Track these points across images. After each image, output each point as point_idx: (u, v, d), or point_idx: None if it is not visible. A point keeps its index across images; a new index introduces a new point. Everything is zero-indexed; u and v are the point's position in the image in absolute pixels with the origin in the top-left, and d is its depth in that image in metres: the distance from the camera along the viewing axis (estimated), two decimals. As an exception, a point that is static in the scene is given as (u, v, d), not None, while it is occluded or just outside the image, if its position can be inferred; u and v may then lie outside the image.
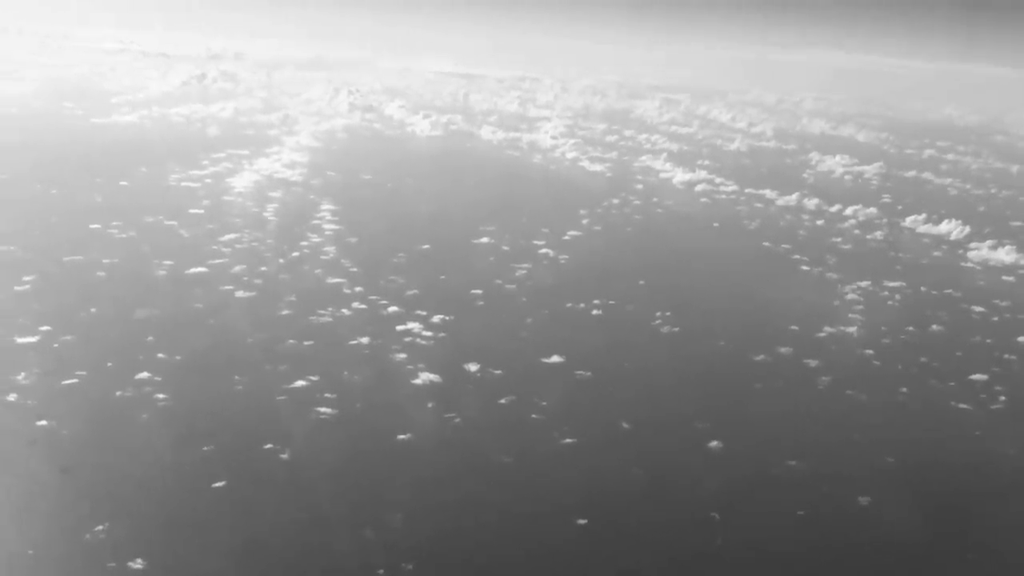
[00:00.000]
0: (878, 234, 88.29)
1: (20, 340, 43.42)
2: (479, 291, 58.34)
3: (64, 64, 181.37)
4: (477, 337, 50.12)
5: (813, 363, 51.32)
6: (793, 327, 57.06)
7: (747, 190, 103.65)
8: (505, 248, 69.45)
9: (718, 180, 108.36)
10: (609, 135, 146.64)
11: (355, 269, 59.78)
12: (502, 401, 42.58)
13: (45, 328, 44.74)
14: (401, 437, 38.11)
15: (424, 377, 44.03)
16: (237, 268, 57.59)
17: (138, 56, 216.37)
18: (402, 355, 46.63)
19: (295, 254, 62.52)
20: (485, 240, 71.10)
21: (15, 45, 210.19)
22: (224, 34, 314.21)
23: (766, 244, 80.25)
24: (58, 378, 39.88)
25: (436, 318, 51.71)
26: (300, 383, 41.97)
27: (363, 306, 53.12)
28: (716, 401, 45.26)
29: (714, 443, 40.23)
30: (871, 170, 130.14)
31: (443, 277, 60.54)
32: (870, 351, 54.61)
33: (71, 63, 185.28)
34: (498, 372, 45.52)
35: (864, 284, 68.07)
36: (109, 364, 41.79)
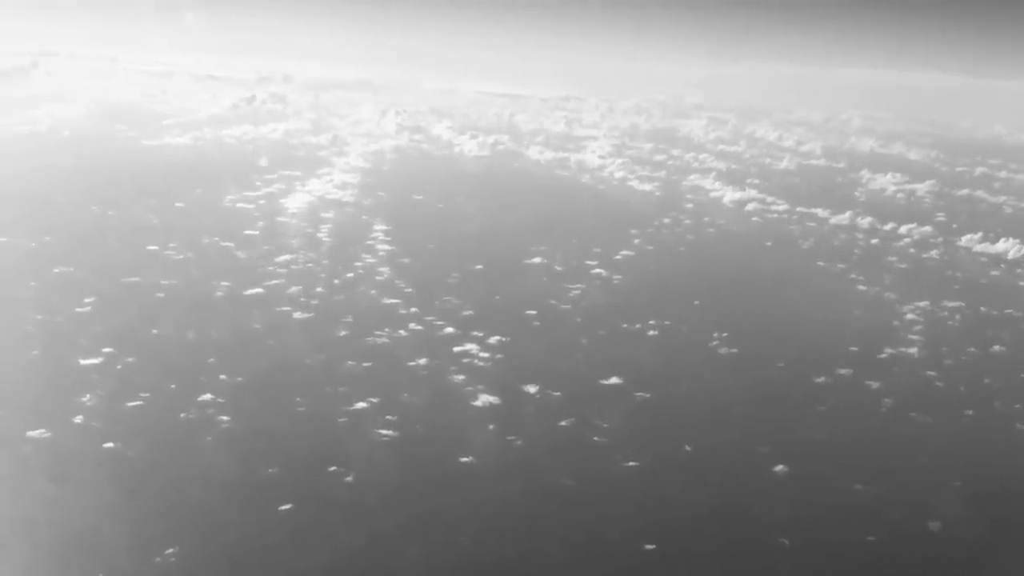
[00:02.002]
0: (934, 253, 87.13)
1: (84, 362, 43.86)
2: (534, 311, 58.16)
3: (114, 87, 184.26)
4: (534, 358, 49.95)
5: (875, 385, 50.55)
6: (853, 348, 56.33)
7: (799, 209, 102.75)
8: (558, 268, 69.29)
9: (769, 199, 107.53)
10: (657, 154, 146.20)
11: (410, 290, 59.83)
12: (563, 423, 42.32)
13: (108, 350, 45.16)
14: (463, 460, 37.94)
15: (483, 399, 43.90)
16: (293, 289, 57.90)
17: (187, 79, 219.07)
18: (460, 376, 46.54)
19: (350, 275, 62.76)
20: (537, 260, 70.99)
21: (66, 69, 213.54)
22: (271, 56, 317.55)
23: (821, 263, 79.45)
24: (123, 400, 40.18)
25: (493, 339, 51.58)
26: (360, 405, 41.99)
27: (419, 327, 53.14)
28: (779, 424, 44.66)
29: (779, 467, 39.66)
30: (923, 188, 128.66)
31: (497, 297, 60.47)
32: (932, 372, 53.74)
33: (121, 86, 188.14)
34: (557, 394, 45.27)
35: (923, 304, 67.07)
36: (172, 386, 42.06)
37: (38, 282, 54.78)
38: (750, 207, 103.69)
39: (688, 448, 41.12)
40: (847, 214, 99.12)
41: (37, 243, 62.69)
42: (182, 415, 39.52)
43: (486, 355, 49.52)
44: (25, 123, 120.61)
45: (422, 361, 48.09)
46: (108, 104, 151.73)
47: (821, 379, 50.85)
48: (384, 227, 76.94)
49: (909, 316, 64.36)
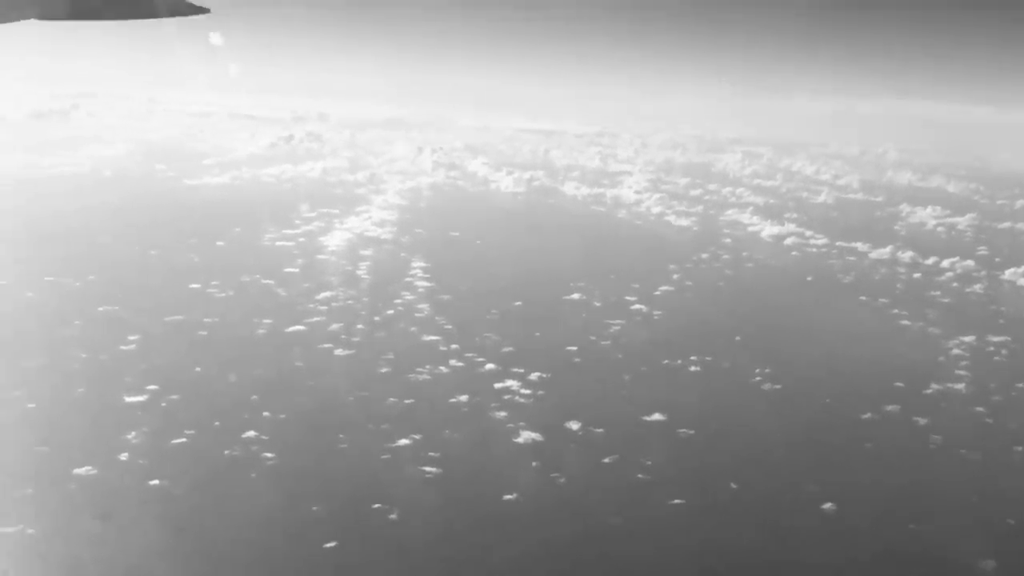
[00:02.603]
0: (978, 287, 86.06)
1: (129, 399, 44.18)
2: (574, 348, 57.97)
3: (154, 127, 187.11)
4: (576, 395, 49.74)
5: (923, 421, 49.77)
6: (898, 384, 55.57)
7: (838, 243, 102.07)
8: (597, 304, 69.13)
9: (808, 233, 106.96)
10: (693, 189, 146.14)
11: (450, 326, 59.85)
12: (606, 460, 41.96)
13: (152, 387, 45.47)
14: (507, 497, 37.68)
15: (526, 436, 43.66)
16: (334, 326, 58.10)
17: (225, 118, 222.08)
18: (502, 413, 46.36)
19: (390, 312, 62.91)
20: (576, 296, 70.86)
21: (106, 109, 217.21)
22: (307, 95, 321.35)
23: (863, 298, 78.69)
24: (168, 437, 40.37)
25: (533, 375, 51.41)
26: (403, 442, 41.90)
27: (460, 364, 53.09)
28: (825, 461, 44.05)
29: (827, 505, 39.04)
30: (964, 221, 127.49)
31: (537, 334, 60.32)
32: (981, 408, 52.86)
33: (161, 126, 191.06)
34: (600, 430, 44.96)
35: (968, 339, 66.10)
36: (216, 423, 42.22)
37: (83, 320, 55.42)
38: (789, 241, 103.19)
39: (734, 486, 40.59)
40: (888, 248, 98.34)
41: (82, 282, 63.44)
42: (226, 452, 39.62)
43: (527, 392, 49.34)
44: (68, 164, 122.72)
45: (463, 398, 47.98)
46: (148, 144, 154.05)
47: (867, 416, 50.15)
48: (423, 264, 77.19)
49: (955, 351, 63.47)
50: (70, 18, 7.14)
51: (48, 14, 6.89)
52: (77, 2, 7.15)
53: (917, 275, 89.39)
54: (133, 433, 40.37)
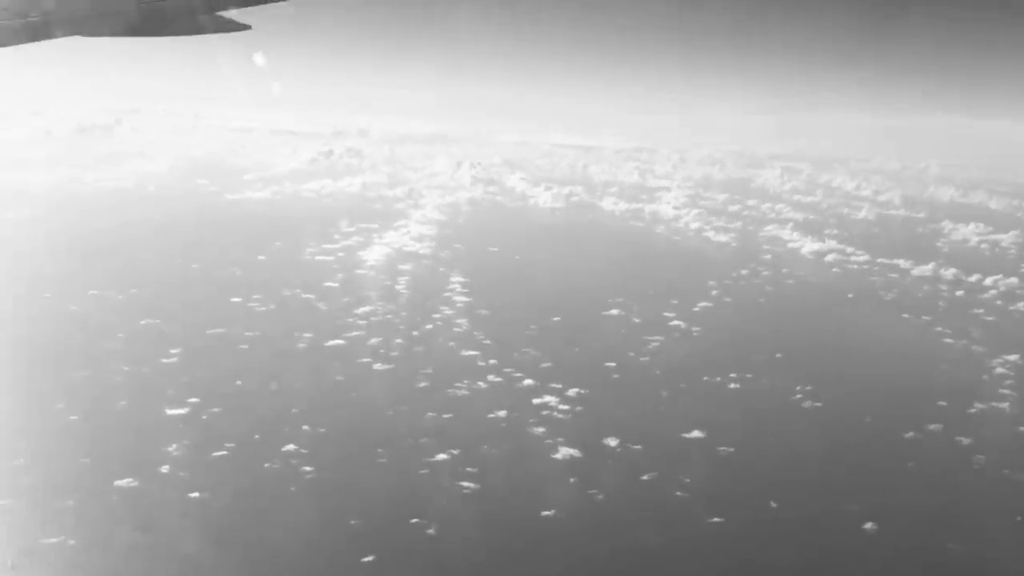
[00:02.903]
0: (1022, 305, 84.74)
1: (170, 412, 44.61)
2: (612, 364, 57.79)
3: (197, 143, 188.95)
4: (614, 411, 49.55)
5: (966, 441, 49.10)
6: (941, 403, 54.83)
7: (879, 260, 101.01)
8: (636, 320, 68.85)
9: (848, 250, 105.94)
10: (732, 205, 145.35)
11: (488, 342, 59.87)
12: (644, 477, 41.77)
13: (194, 400, 45.88)
14: (545, 513, 37.60)
15: (564, 452, 43.58)
16: (373, 341, 58.36)
17: (267, 134, 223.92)
18: (540, 429, 46.29)
19: (429, 327, 63.07)
20: (615, 312, 70.64)
21: (149, 125, 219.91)
22: (347, 110, 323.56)
23: (905, 316, 77.81)
24: (208, 450, 40.70)
25: (572, 391, 51.29)
26: (441, 456, 41.95)
27: (498, 379, 53.09)
28: (867, 480, 43.54)
29: (868, 525, 38.58)
30: (1008, 239, 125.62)
31: (576, 350, 60.24)
32: (1026, 428, 52.08)
33: (204, 142, 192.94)
34: (638, 447, 44.74)
35: (1012, 358, 65.06)
36: (256, 436, 42.52)
37: (126, 333, 56.03)
38: (830, 258, 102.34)
39: (774, 505, 40.22)
40: (930, 265, 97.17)
41: (125, 296, 64.18)
42: (266, 465, 39.87)
43: (565, 407, 49.23)
44: (112, 179, 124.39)
45: (501, 413, 47.97)
46: (191, 159, 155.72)
47: (910, 435, 49.54)
48: (461, 279, 77.30)
49: (999, 370, 62.53)
50: (115, 35, 7.27)
51: (93, 31, 7.02)
52: (121, 19, 7.29)
53: (960, 293, 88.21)
54: (174, 445, 40.74)
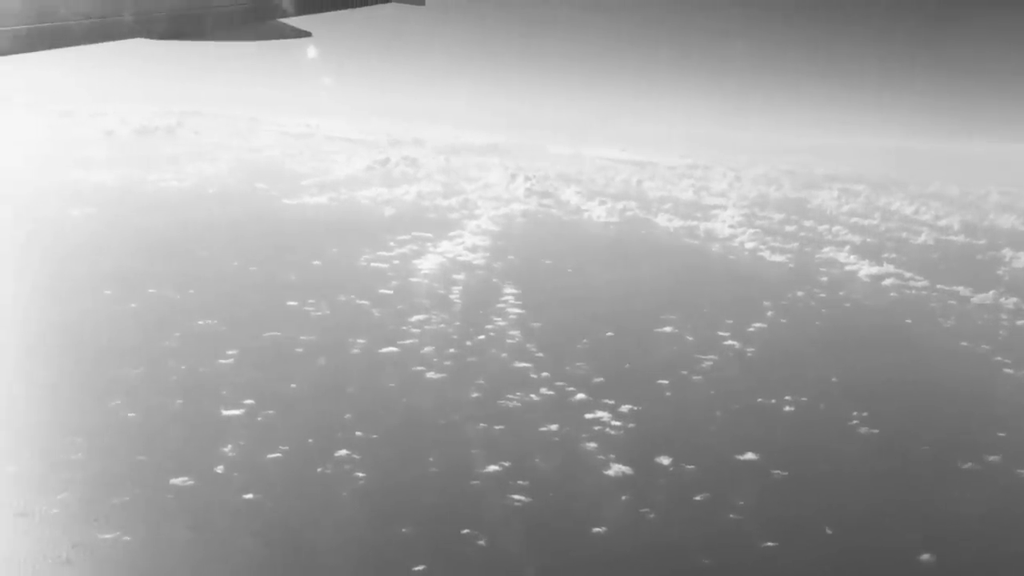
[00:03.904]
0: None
1: (226, 412, 45.01)
2: (665, 381, 57.36)
3: (256, 147, 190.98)
4: (667, 429, 49.13)
5: (1026, 473, 48.05)
6: (1000, 433, 53.70)
7: (938, 286, 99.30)
8: (689, 338, 68.31)
9: (907, 275, 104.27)
10: (788, 225, 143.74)
11: (540, 354, 59.71)
12: (697, 498, 41.32)
13: (248, 401, 46.23)
14: (596, 530, 37.35)
15: (616, 468, 43.27)
16: (427, 349, 58.46)
17: (323, 140, 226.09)
18: (592, 444, 46.05)
19: (481, 337, 63.04)
20: (668, 329, 70.14)
21: (209, 127, 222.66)
22: (403, 119, 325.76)
23: (964, 344, 76.34)
24: (262, 452, 40.97)
25: (624, 407, 50.99)
26: (493, 468, 41.84)
27: (551, 392, 52.91)
28: (924, 510, 42.73)
29: (925, 556, 37.86)
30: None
31: (628, 365, 59.88)
32: (1090, 463, 50.77)
33: (262, 146, 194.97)
34: (691, 467, 44.31)
35: (1076, 390, 63.68)
36: (310, 440, 42.73)
37: (183, 333, 56.63)
38: (887, 282, 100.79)
39: (829, 531, 39.61)
40: (990, 293, 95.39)
41: (183, 295, 64.94)
42: (319, 470, 40.04)
43: (618, 424, 48.93)
44: (173, 180, 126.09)
45: (553, 427, 47.78)
46: (250, 163, 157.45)
47: (968, 465, 48.58)
48: (514, 290, 77.25)
49: (1062, 403, 61.18)
50: (176, 38, 7.32)
51: (156, 33, 7.06)
52: (184, 23, 7.34)
53: (1021, 322, 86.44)
54: (229, 446, 41.07)
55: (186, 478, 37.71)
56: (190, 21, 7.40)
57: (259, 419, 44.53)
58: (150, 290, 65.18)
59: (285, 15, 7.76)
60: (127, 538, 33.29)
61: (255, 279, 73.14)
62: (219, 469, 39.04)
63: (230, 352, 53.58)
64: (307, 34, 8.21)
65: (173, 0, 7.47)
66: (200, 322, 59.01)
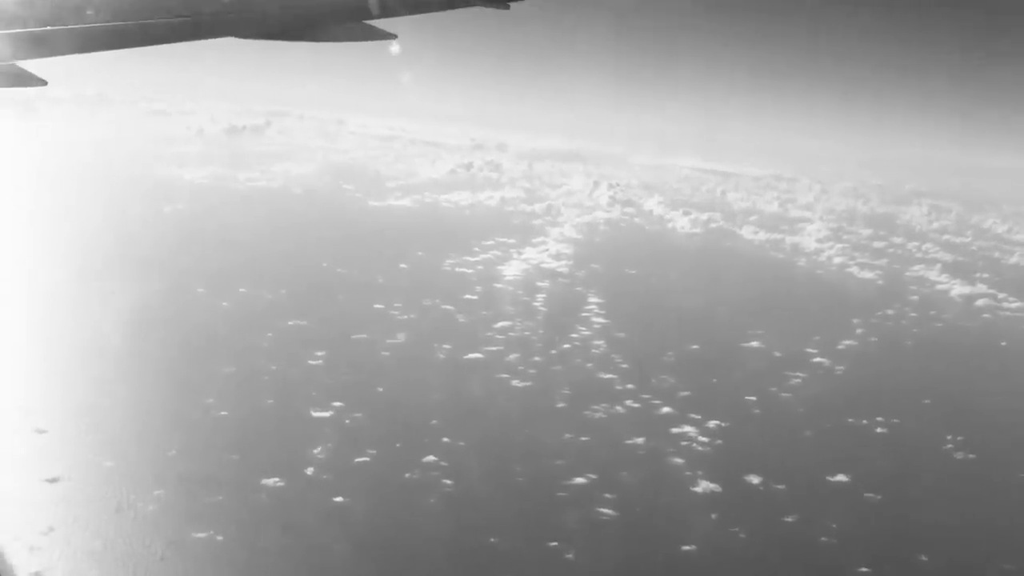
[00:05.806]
0: None
1: (315, 414, 45.46)
2: (753, 397, 56.46)
3: (341, 148, 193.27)
4: (755, 447, 48.34)
5: None
6: (1104, 464, 51.77)
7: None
8: (776, 354, 67.10)
9: (1000, 295, 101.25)
10: (876, 241, 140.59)
11: (626, 365, 59.26)
12: (788, 519, 40.54)
13: (337, 404, 46.63)
14: (686, 548, 36.81)
15: (704, 485, 42.68)
16: (511, 357, 58.39)
17: (408, 143, 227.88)
18: (679, 460, 45.50)
19: (566, 346, 62.79)
20: (755, 344, 69.05)
21: (297, 129, 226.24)
22: (486, 124, 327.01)
23: (1062, 368, 73.95)
24: (351, 455, 41.26)
25: (711, 423, 50.32)
26: (579, 480, 41.57)
27: (636, 404, 52.44)
28: (1022, 539, 41.31)
29: (1027, 589, 36.58)
30: None
31: (714, 380, 59.08)
32: None
33: (348, 147, 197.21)
34: (781, 487, 43.49)
35: None
36: (398, 445, 42.91)
37: (274, 333, 57.39)
38: (980, 303, 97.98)
39: (924, 558, 38.52)
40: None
41: (274, 295, 65.80)
42: (407, 475, 40.16)
43: (705, 439, 48.28)
44: (262, 179, 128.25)
45: (639, 440, 47.34)
46: (336, 164, 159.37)
47: (1071, 495, 46.90)
48: (598, 300, 76.82)
49: None
50: (264, 38, 7.33)
51: (243, 33, 7.08)
52: (270, 23, 7.34)
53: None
54: (319, 448, 41.44)
55: (277, 479, 38.14)
56: (279, 21, 7.42)
57: (347, 421, 44.89)
58: (241, 289, 66.17)
59: (371, 17, 7.71)
60: (220, 537, 33.73)
61: (343, 280, 73.88)
62: (309, 471, 39.42)
63: (319, 353, 54.15)
64: (392, 36, 8.15)
65: (262, 1, 7.52)
66: (290, 322, 59.76)
